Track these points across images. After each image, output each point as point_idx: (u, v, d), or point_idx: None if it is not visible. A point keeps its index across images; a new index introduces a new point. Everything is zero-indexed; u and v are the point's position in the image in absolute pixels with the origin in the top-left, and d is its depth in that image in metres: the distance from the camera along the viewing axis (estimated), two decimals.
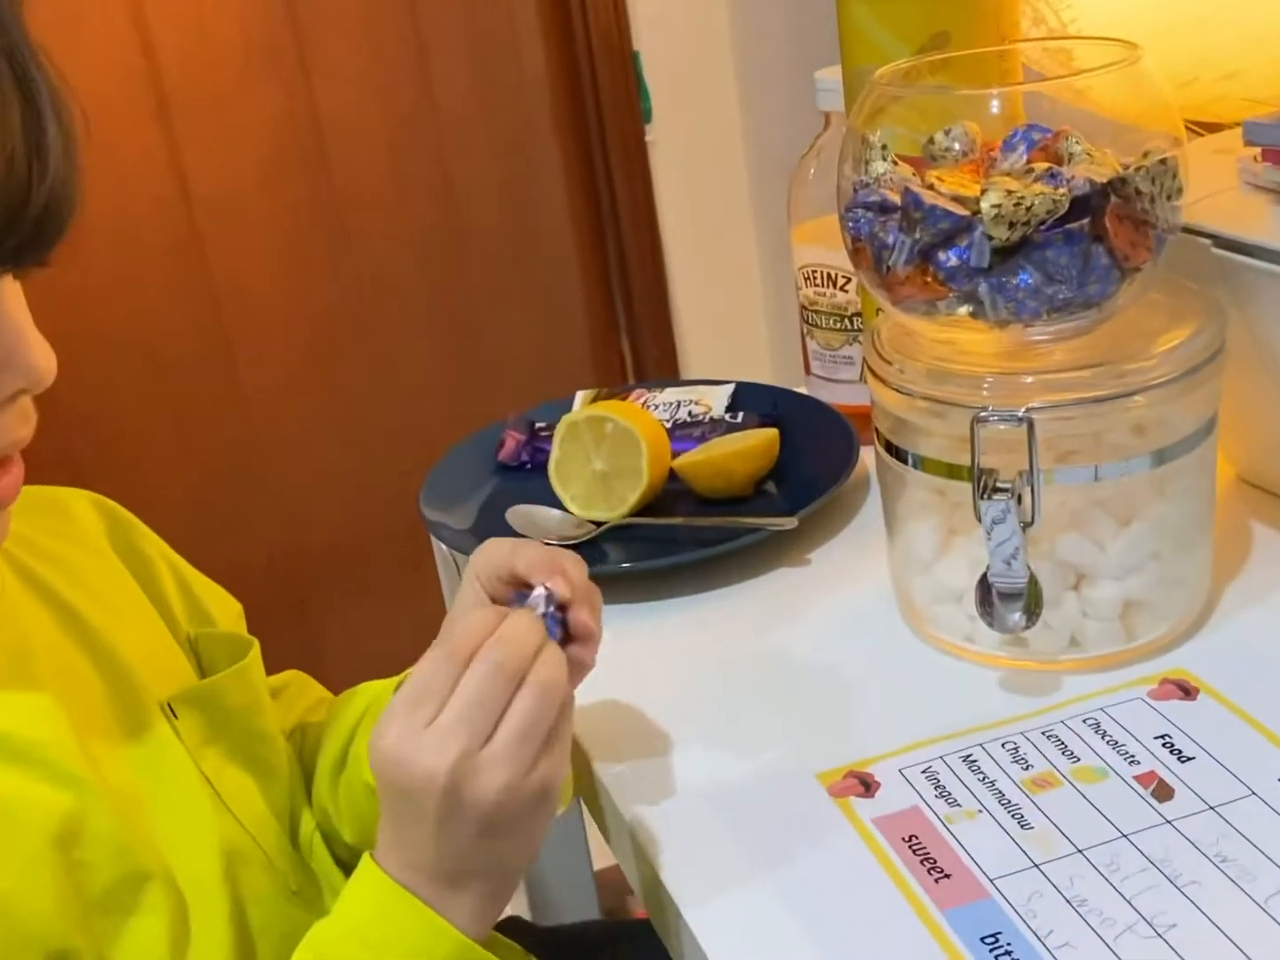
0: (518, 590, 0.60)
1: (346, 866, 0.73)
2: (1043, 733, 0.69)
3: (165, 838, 0.60)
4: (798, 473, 0.95)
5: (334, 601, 2.05)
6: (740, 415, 1.00)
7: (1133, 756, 0.66)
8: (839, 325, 0.97)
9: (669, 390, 1.06)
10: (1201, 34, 0.82)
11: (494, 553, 0.61)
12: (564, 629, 0.59)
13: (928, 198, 0.65)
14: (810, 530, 0.89)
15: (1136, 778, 0.64)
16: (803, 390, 1.05)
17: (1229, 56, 0.81)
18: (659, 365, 2.20)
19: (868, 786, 0.67)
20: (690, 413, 1.03)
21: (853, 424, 0.95)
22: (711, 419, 1.01)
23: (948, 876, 0.61)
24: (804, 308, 0.99)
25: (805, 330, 1.00)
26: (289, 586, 2.01)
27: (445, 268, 2.02)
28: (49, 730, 0.57)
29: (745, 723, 0.73)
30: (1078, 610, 0.71)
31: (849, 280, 0.95)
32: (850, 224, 0.70)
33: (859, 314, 0.96)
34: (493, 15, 1.95)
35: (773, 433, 0.93)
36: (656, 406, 1.04)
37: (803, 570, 0.87)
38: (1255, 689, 0.69)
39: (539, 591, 0.58)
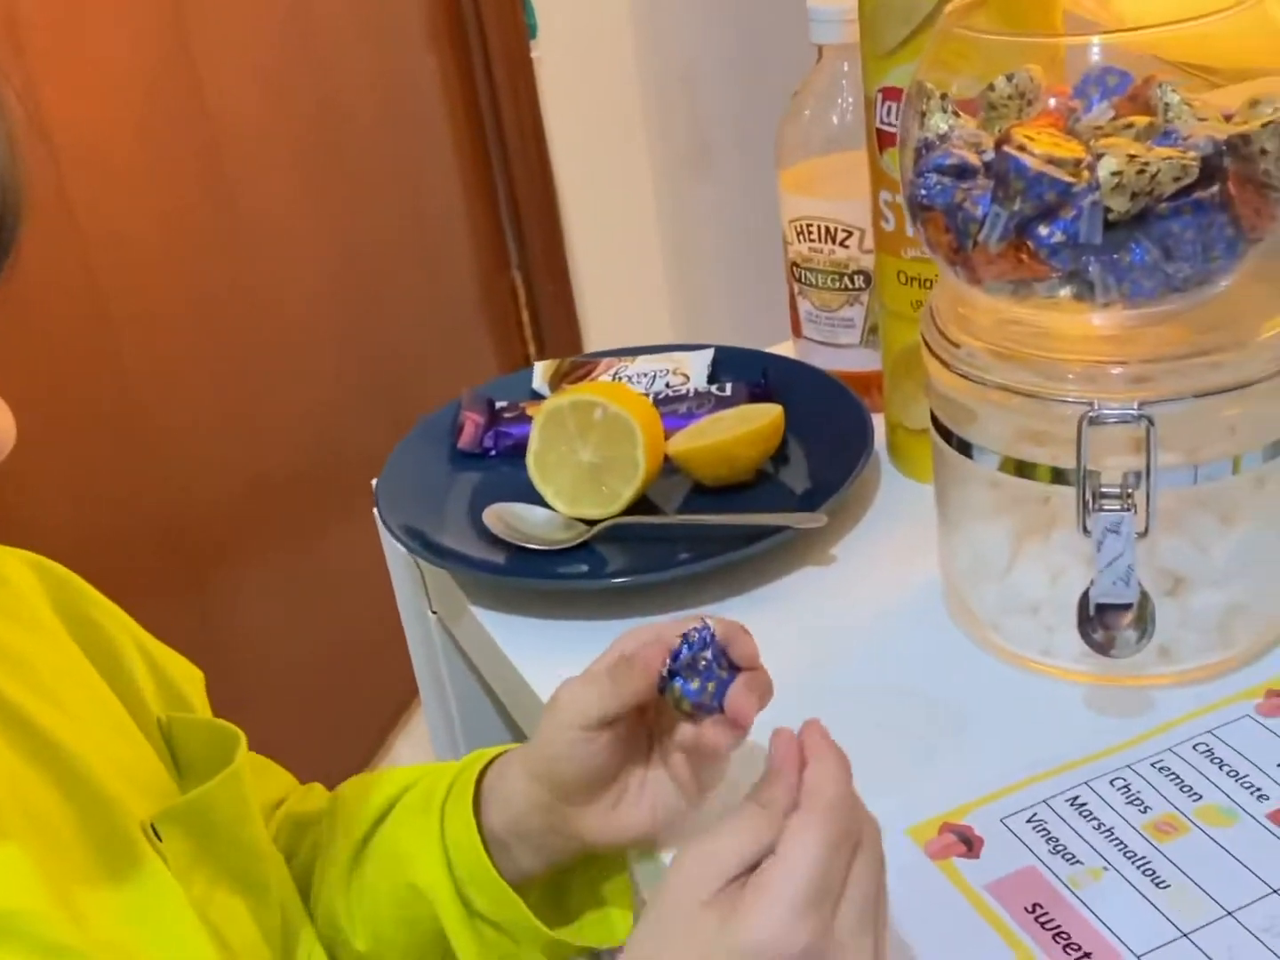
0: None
1: None
2: (1152, 764, 0.61)
3: None
4: (801, 452, 0.85)
5: (232, 572, 1.89)
6: (728, 387, 0.90)
7: (1259, 790, 0.59)
8: (838, 285, 0.87)
9: (641, 359, 0.95)
10: None
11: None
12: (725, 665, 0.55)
13: (1031, 164, 0.55)
14: (829, 521, 0.79)
15: (1269, 816, 0.57)
16: (784, 350, 0.96)
17: None
18: (554, 299, 2.08)
19: (970, 844, 0.59)
20: (669, 385, 0.92)
21: (858, 394, 0.86)
22: (696, 392, 0.90)
23: (1088, 956, 0.53)
24: (795, 265, 0.89)
25: (796, 289, 0.90)
26: (182, 557, 1.85)
27: (326, 197, 1.85)
28: (23, 893, 0.46)
29: None
30: (1174, 619, 0.64)
31: (849, 235, 0.85)
32: (922, 191, 0.60)
33: (860, 271, 0.86)
34: None
35: (778, 411, 0.83)
36: (630, 378, 0.93)
37: (830, 570, 0.77)
38: None
39: (698, 628, 0.55)
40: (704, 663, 0.55)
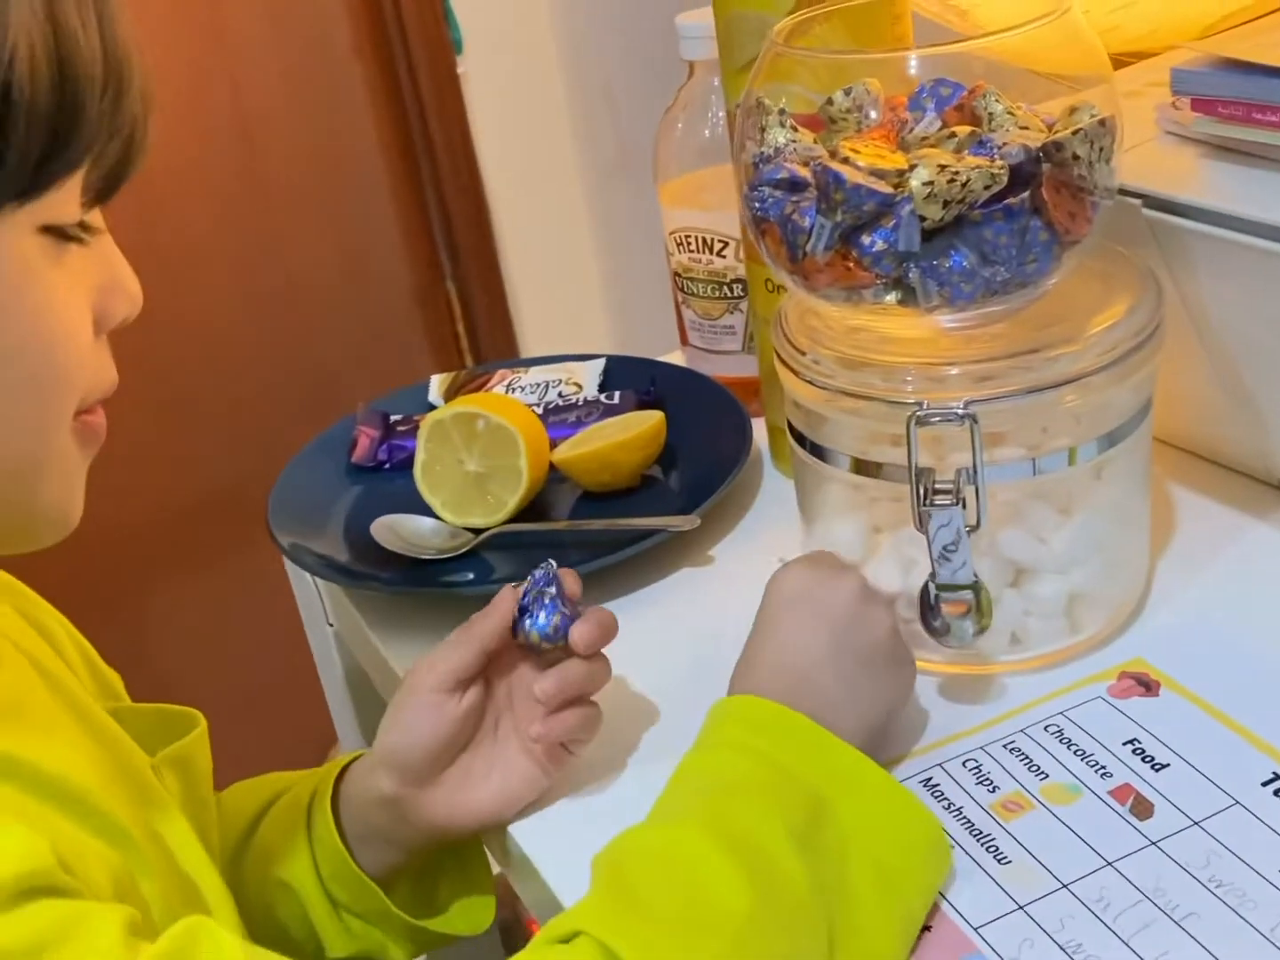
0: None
1: None
2: (1004, 746, 0.64)
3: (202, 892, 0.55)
4: (686, 457, 0.88)
5: (149, 587, 1.90)
6: (617, 395, 0.92)
7: (1104, 768, 0.61)
8: (717, 294, 0.90)
9: (535, 370, 0.97)
10: None
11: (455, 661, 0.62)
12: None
13: (849, 176, 0.58)
14: (709, 522, 0.81)
15: (1111, 793, 0.60)
16: (676, 358, 0.98)
17: None
18: (489, 310, 2.09)
19: None
20: (561, 394, 0.94)
21: (740, 399, 0.89)
22: (586, 400, 0.92)
23: (928, 929, 0.55)
24: (677, 275, 0.91)
25: (680, 299, 0.93)
26: (105, 576, 1.86)
27: (246, 222, 1.87)
28: (93, 778, 0.51)
29: (668, 753, 0.66)
30: (1019, 608, 0.66)
31: (726, 245, 0.88)
32: (756, 204, 0.63)
33: (740, 280, 0.88)
34: None
35: (659, 417, 0.85)
36: (524, 389, 0.95)
37: (707, 570, 0.80)
38: (1213, 674, 0.65)
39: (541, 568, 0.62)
40: (549, 598, 0.60)
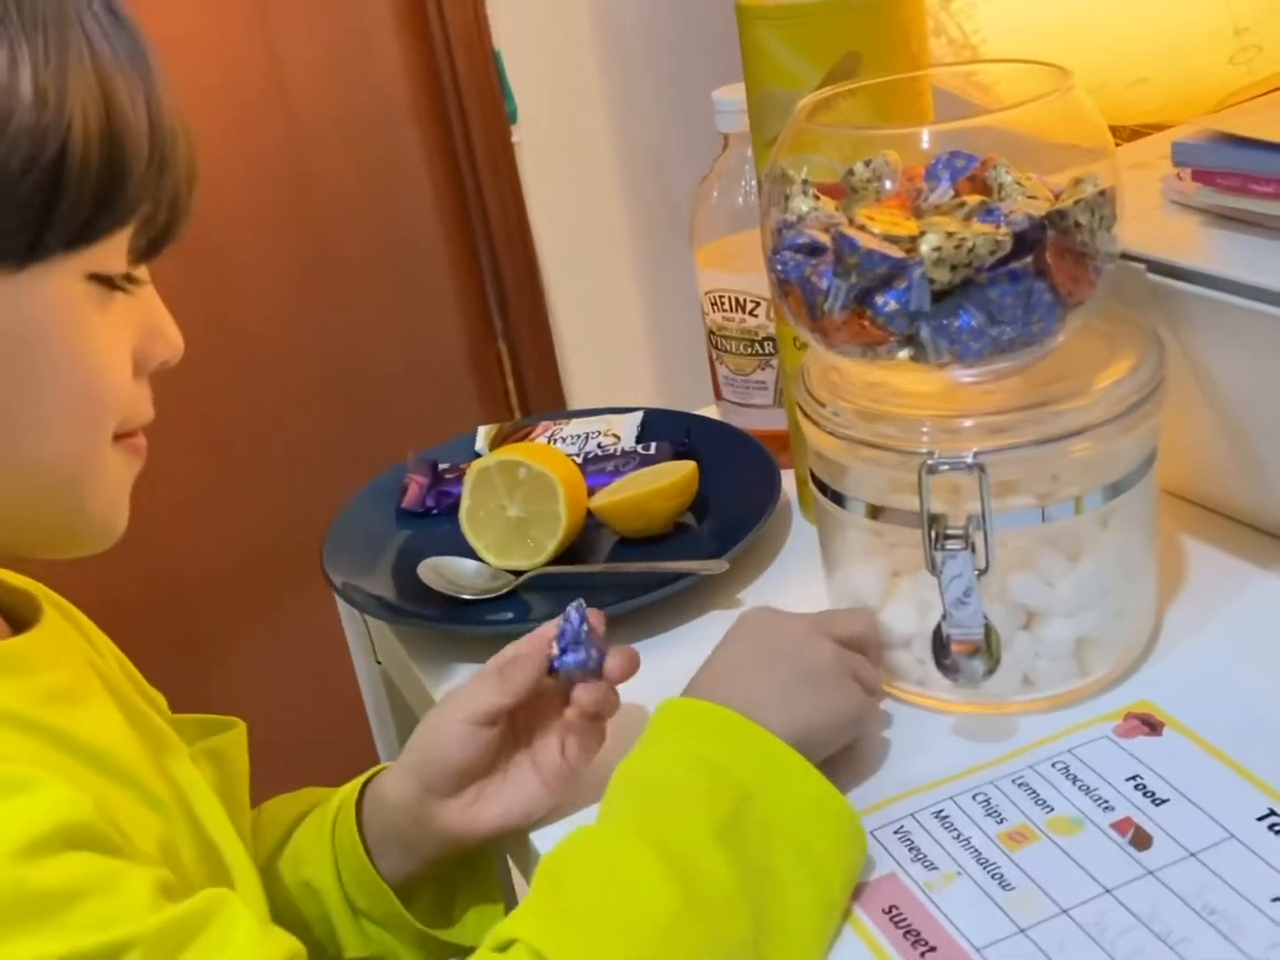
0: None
1: None
2: (1013, 780, 0.67)
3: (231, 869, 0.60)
4: (718, 505, 0.92)
5: (216, 632, 1.97)
6: (653, 446, 0.96)
7: (1106, 802, 0.64)
8: (750, 350, 0.94)
9: (575, 421, 1.02)
10: (1109, 40, 0.80)
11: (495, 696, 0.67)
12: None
13: (863, 241, 0.62)
14: (738, 567, 0.85)
15: (1113, 825, 0.63)
16: (712, 412, 1.02)
17: (1137, 63, 0.79)
18: (538, 368, 2.15)
19: None
20: (600, 445, 0.99)
21: (771, 451, 0.93)
22: (623, 451, 0.97)
23: (934, 950, 0.58)
24: (712, 333, 0.96)
25: (714, 356, 0.97)
26: (167, 618, 1.92)
27: (309, 283, 1.94)
28: (136, 751, 0.56)
29: None
30: (1030, 650, 0.70)
31: (758, 305, 0.92)
32: (779, 267, 0.67)
33: (770, 338, 0.93)
34: (345, 14, 1.87)
35: (691, 467, 0.89)
36: (564, 439, 1.00)
37: (735, 613, 0.83)
38: (1215, 716, 0.68)
39: (574, 607, 0.67)
40: (584, 635, 0.66)
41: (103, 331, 0.54)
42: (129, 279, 0.55)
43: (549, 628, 0.68)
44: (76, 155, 0.49)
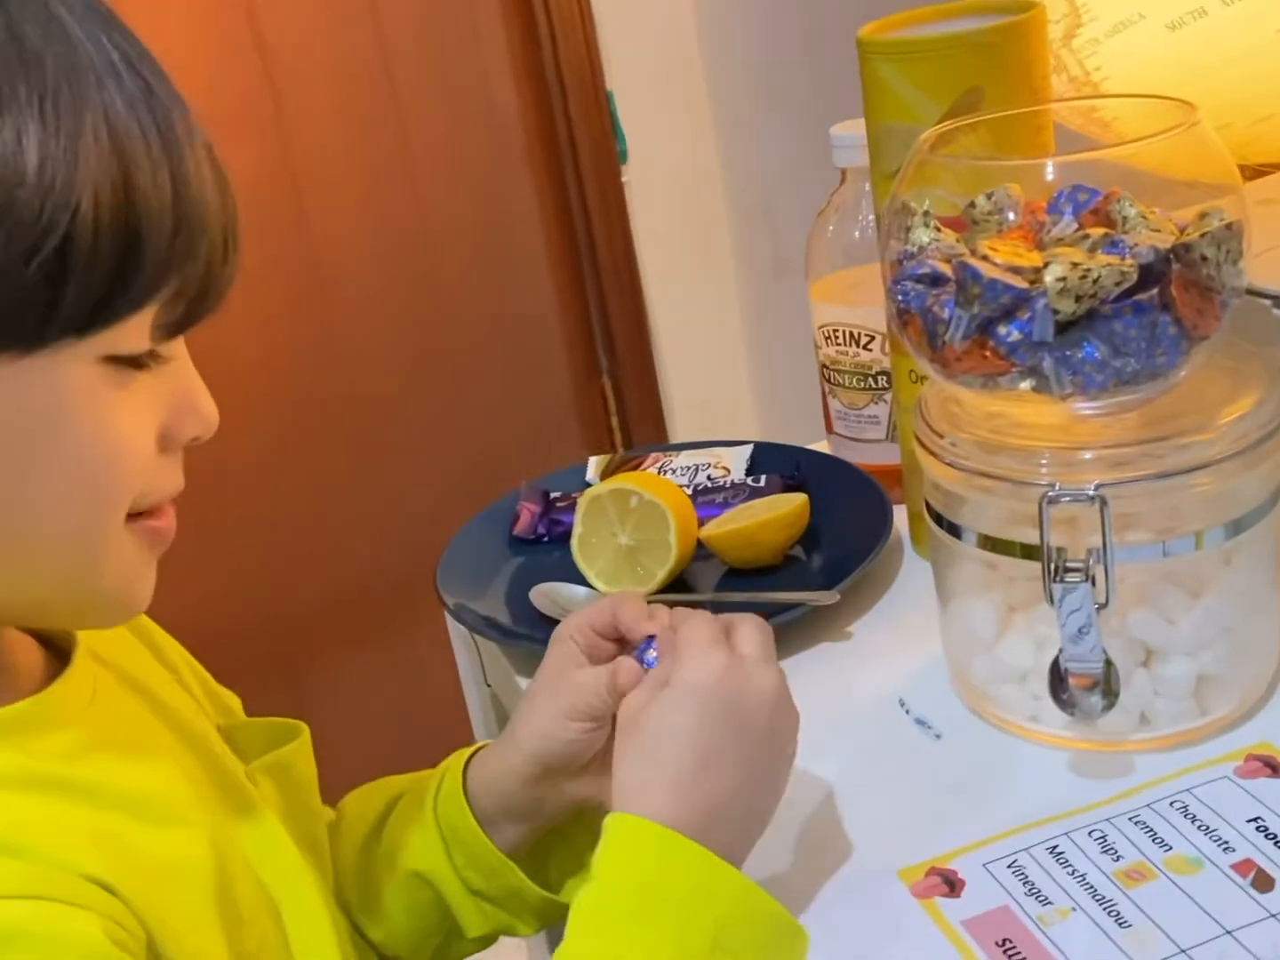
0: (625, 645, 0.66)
1: None
2: (1130, 819, 0.66)
3: (282, 899, 0.59)
4: (828, 538, 0.92)
5: (322, 664, 2.01)
6: (763, 479, 0.97)
7: (1227, 843, 0.63)
8: (863, 385, 0.95)
9: (685, 453, 1.03)
10: (1233, 78, 0.80)
11: (593, 614, 0.67)
12: None
13: (986, 271, 0.63)
14: (849, 600, 0.85)
15: (1234, 866, 0.62)
16: (822, 447, 1.03)
17: (1263, 100, 0.79)
18: (641, 407, 2.17)
19: (952, 886, 0.64)
20: (710, 477, 1.00)
21: (882, 485, 0.93)
22: (733, 483, 0.98)
23: None
24: (825, 366, 0.97)
25: (827, 389, 0.98)
26: (274, 650, 1.97)
27: (423, 321, 1.98)
28: (183, 795, 0.56)
29: (809, 816, 0.70)
30: (1148, 688, 0.69)
31: (872, 339, 0.93)
32: (899, 297, 0.68)
33: (884, 372, 0.93)
34: (464, 57, 1.92)
35: (802, 499, 0.90)
36: (674, 471, 1.01)
37: (846, 645, 0.84)
38: None
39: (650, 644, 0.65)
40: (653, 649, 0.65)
41: (122, 411, 0.50)
42: (154, 355, 0.51)
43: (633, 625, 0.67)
44: (86, 239, 0.45)
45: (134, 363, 0.50)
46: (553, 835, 0.70)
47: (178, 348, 0.53)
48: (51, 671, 0.56)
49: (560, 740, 0.66)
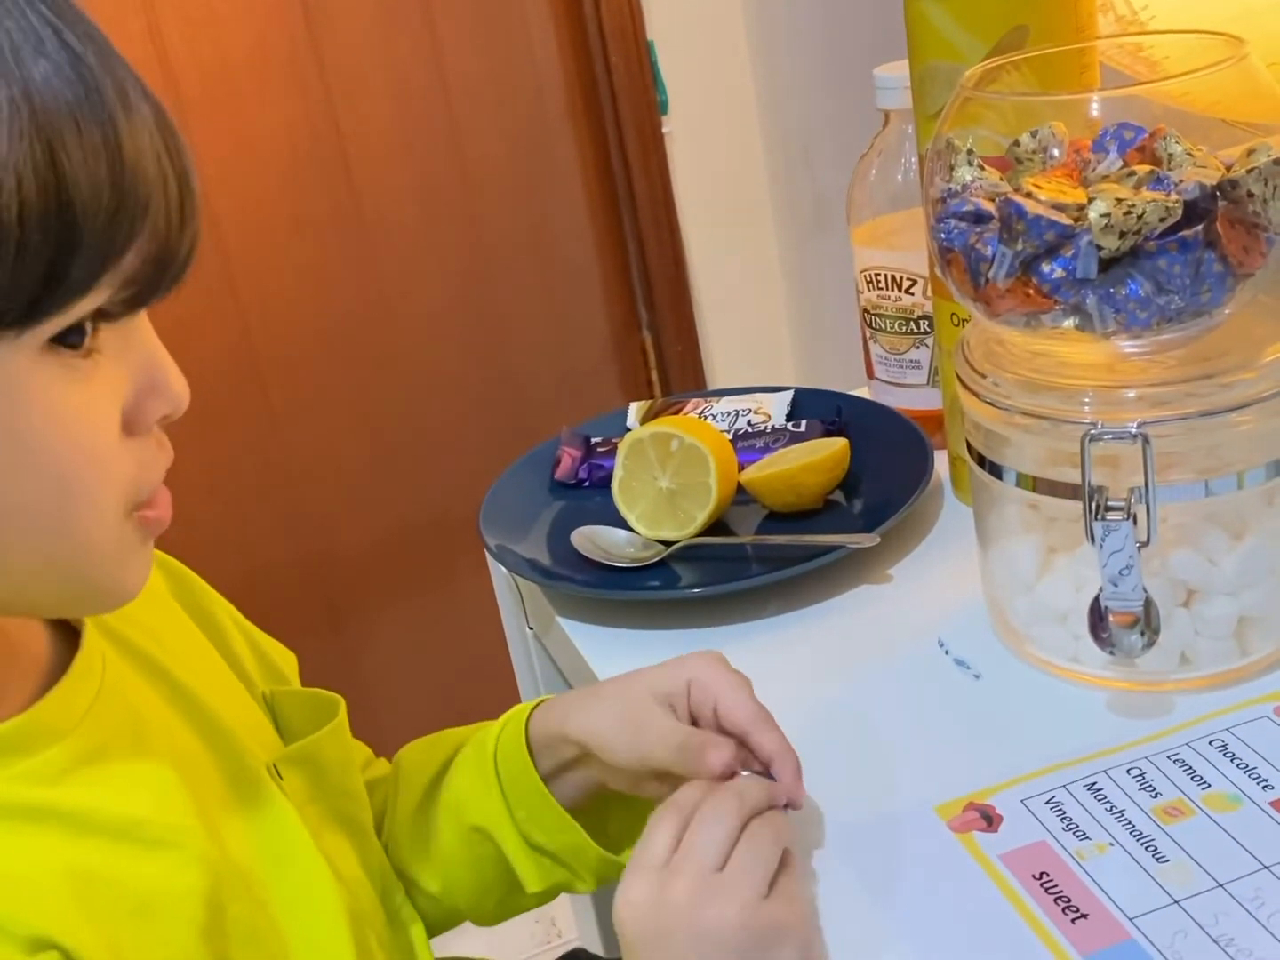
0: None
1: (426, 920, 0.72)
2: (1168, 757, 0.66)
3: (289, 911, 0.58)
4: (869, 483, 0.92)
5: (368, 608, 2.03)
6: (803, 424, 0.97)
7: (1266, 781, 0.63)
8: (905, 329, 0.94)
9: (726, 399, 1.03)
10: None
11: (675, 684, 0.64)
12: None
13: (1030, 208, 0.62)
14: (889, 543, 0.86)
15: (1272, 804, 0.62)
16: (863, 394, 1.03)
17: None
18: (681, 359, 2.17)
19: (990, 820, 0.64)
20: (750, 422, 1.00)
21: (923, 430, 0.93)
22: (773, 428, 0.98)
23: (1085, 917, 0.58)
24: (866, 311, 0.96)
25: (868, 334, 0.97)
26: (321, 594, 1.99)
27: (464, 272, 1.99)
28: (180, 812, 0.55)
29: (848, 754, 0.70)
30: (1189, 628, 0.69)
31: (914, 283, 0.92)
32: (942, 235, 0.67)
33: (925, 316, 0.93)
34: (504, 5, 1.91)
35: (843, 443, 0.90)
36: (715, 416, 1.01)
37: (886, 587, 0.84)
38: None
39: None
40: None
41: (74, 400, 0.46)
42: (102, 325, 0.47)
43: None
44: (11, 227, 0.41)
45: (79, 349, 0.47)
46: (612, 794, 0.70)
47: (140, 324, 0.49)
48: (61, 656, 0.55)
49: (612, 755, 0.64)
